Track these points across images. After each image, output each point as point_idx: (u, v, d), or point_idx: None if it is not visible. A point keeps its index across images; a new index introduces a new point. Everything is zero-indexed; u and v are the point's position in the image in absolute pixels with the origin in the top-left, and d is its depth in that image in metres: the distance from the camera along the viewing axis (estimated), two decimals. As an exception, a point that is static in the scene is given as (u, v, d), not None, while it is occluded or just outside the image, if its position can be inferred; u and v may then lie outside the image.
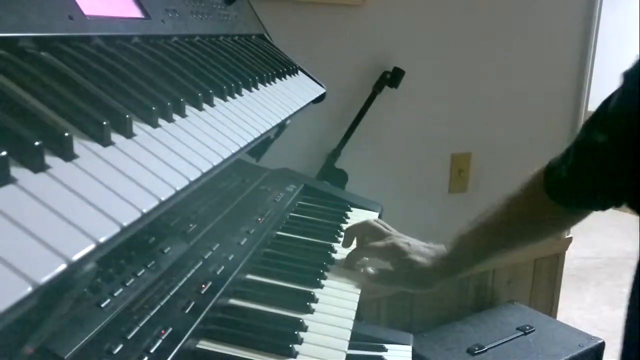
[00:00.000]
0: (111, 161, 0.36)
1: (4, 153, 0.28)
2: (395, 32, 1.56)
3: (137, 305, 0.61)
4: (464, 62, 1.73)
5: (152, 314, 0.61)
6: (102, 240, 0.29)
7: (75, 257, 0.27)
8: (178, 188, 0.38)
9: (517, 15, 1.79)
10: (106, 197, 0.32)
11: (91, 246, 0.28)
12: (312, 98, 0.92)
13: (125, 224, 0.31)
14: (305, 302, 0.74)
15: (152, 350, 0.55)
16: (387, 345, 1.02)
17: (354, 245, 0.94)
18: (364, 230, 0.94)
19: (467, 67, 1.74)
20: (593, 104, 2.16)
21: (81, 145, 0.36)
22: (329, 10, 1.45)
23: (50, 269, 0.25)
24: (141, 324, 0.58)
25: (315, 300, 0.76)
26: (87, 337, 0.53)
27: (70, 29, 0.47)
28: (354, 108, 1.50)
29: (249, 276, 0.80)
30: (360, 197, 1.23)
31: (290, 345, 0.64)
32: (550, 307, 2.21)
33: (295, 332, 0.66)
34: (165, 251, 0.73)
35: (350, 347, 0.95)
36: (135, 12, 0.62)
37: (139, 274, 0.66)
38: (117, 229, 0.30)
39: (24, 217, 0.27)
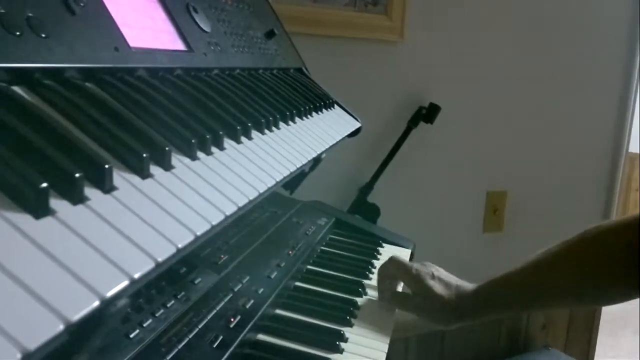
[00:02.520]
0: (149, 194, 0.36)
1: (44, 185, 0.28)
2: (432, 67, 1.55)
3: (165, 337, 0.60)
4: (501, 99, 1.71)
5: (179, 347, 0.60)
6: (136, 276, 0.29)
7: (109, 293, 0.26)
8: (214, 222, 0.38)
9: (557, 53, 1.77)
10: (142, 231, 0.32)
11: (125, 283, 0.28)
12: (348, 132, 0.91)
13: (160, 259, 0.31)
14: (334, 341, 0.72)
15: (178, 385, 0.54)
16: None
17: None
18: (393, 267, 0.91)
19: (504, 104, 1.72)
20: (634, 145, 2.11)
21: (120, 177, 0.35)
22: (367, 45, 1.46)
23: (84, 306, 0.25)
24: (169, 358, 0.57)
25: (345, 340, 0.74)
26: (113, 370, 0.52)
27: (115, 61, 0.48)
28: (388, 142, 1.49)
29: (278, 311, 0.79)
30: (392, 233, 1.21)
31: (318, 388, 0.62)
32: (586, 354, 2.12)
33: (324, 374, 0.64)
34: (196, 282, 0.72)
35: None
36: (179, 45, 0.62)
37: (169, 305, 0.65)
38: (152, 265, 0.30)
39: (60, 250, 0.27)
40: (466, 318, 0.84)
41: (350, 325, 0.78)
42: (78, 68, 0.43)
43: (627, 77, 1.93)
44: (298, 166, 0.60)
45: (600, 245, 0.76)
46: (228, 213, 0.40)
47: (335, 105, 1.03)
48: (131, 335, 0.57)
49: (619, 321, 3.07)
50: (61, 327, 0.23)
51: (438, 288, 0.84)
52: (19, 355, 0.21)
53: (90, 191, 0.32)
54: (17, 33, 0.37)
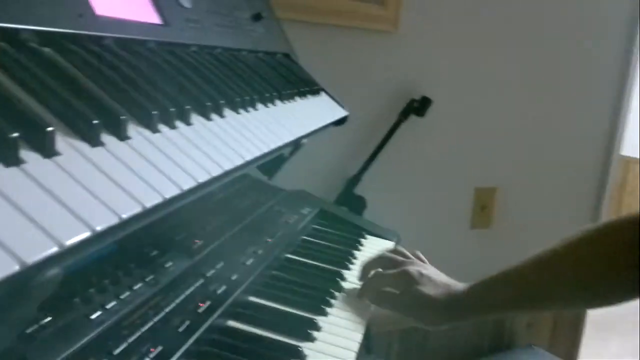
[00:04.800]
0: (97, 162, 0.34)
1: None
2: (426, 60, 1.53)
3: (128, 320, 0.59)
4: (493, 95, 1.69)
5: (143, 330, 0.58)
6: (67, 243, 0.27)
7: (32, 259, 0.24)
8: (167, 196, 0.36)
9: (553, 52, 1.76)
10: (82, 199, 0.30)
11: (54, 249, 0.26)
12: (332, 120, 0.89)
13: (98, 228, 0.29)
14: (306, 330, 0.70)
15: (138, 369, 0.52)
16: None
17: None
18: (380, 264, 0.89)
19: (496, 100, 1.70)
20: (626, 148, 2.10)
21: (66, 144, 0.33)
22: (361, 34, 1.44)
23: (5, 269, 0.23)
24: (130, 340, 0.56)
25: (318, 329, 0.72)
26: (70, 350, 0.50)
27: (77, 27, 0.45)
28: (377, 134, 1.47)
29: (252, 298, 0.77)
30: (377, 225, 1.19)
31: (286, 376, 0.60)
32: (571, 354, 2.11)
33: (293, 362, 0.63)
34: (166, 266, 0.70)
35: None
36: (154, 18, 0.60)
37: (136, 288, 0.63)
38: (87, 233, 0.28)
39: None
40: (456, 319, 0.82)
41: (325, 314, 0.77)
42: (35, 31, 0.41)
43: (622, 79, 1.92)
44: (272, 148, 0.58)
45: (602, 243, 0.72)
46: (185, 188, 0.38)
47: (322, 93, 1.01)
48: (92, 317, 0.56)
49: (605, 323, 3.07)
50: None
51: (425, 287, 0.81)
52: None
53: (28, 154, 0.30)
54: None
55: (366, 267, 0.90)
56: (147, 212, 0.34)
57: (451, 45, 1.57)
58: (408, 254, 0.90)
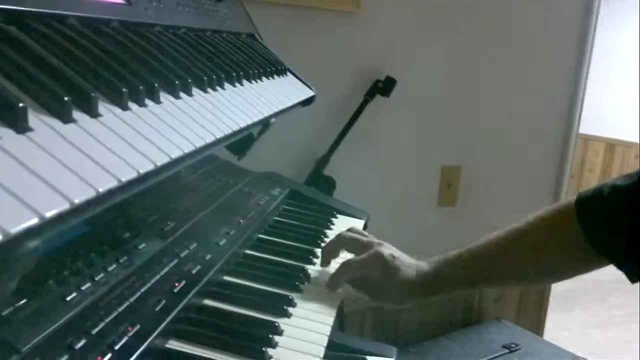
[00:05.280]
0: (69, 137, 0.34)
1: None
2: (389, 40, 1.55)
3: (104, 300, 0.59)
4: (458, 74, 1.72)
5: (119, 310, 0.58)
6: (47, 215, 0.27)
7: (14, 229, 0.25)
8: (142, 171, 0.36)
9: (513, 32, 1.79)
10: (57, 172, 0.30)
11: (34, 220, 0.26)
12: (299, 100, 0.90)
13: (76, 200, 0.29)
14: (282, 306, 0.71)
15: (116, 347, 0.53)
16: (368, 358, 1.00)
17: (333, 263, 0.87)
18: (342, 245, 0.88)
19: (461, 80, 1.73)
20: (585, 125, 2.17)
21: (38, 120, 0.34)
22: (323, 15, 1.44)
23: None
24: (107, 320, 0.56)
25: (293, 305, 0.74)
26: (47, 330, 0.50)
27: (42, 5, 0.45)
28: (344, 115, 1.49)
29: (226, 277, 0.78)
30: (346, 204, 1.21)
31: (264, 349, 0.61)
32: (537, 326, 2.18)
33: (270, 336, 0.64)
34: (140, 247, 0.70)
35: (329, 358, 0.93)
36: (117, -2, 0.60)
37: (110, 269, 0.63)
38: (66, 205, 0.28)
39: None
40: (424, 297, 0.84)
41: (300, 291, 0.78)
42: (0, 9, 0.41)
43: (579, 58, 1.97)
44: (241, 126, 0.59)
45: (552, 226, 0.78)
46: (159, 163, 0.39)
47: (288, 73, 1.02)
48: (68, 298, 0.56)
49: (571, 295, 3.18)
50: None
51: (400, 269, 0.83)
52: None
53: (1, 130, 0.30)
54: None
55: (328, 250, 0.88)
56: (123, 187, 0.35)
57: (414, 24, 1.59)
58: (366, 233, 0.90)
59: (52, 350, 0.49)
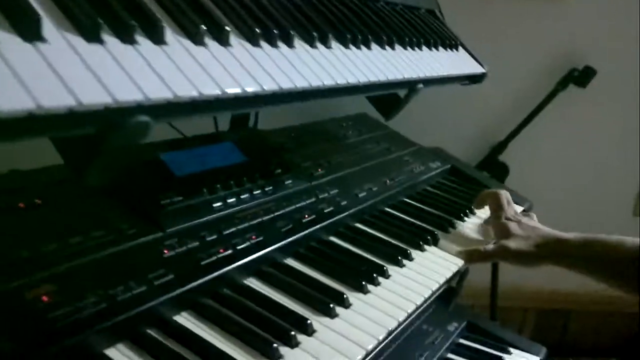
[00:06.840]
0: (197, 56, 0.45)
1: (100, 20, 0.38)
2: (594, 29, 1.44)
3: (242, 213, 0.71)
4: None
5: (251, 222, 0.70)
6: (152, 97, 0.38)
7: (125, 99, 0.36)
8: (249, 90, 0.46)
9: None
10: (173, 76, 0.41)
11: (140, 96, 0.37)
12: (457, 73, 0.92)
13: (180, 94, 0.40)
14: (397, 256, 0.76)
15: (238, 247, 0.64)
16: (512, 349, 0.99)
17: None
18: (494, 201, 0.95)
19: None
20: None
21: (175, 39, 0.45)
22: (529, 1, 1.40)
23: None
24: (238, 227, 0.68)
25: (410, 258, 0.78)
26: (189, 223, 0.64)
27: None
28: (530, 102, 1.44)
29: (357, 224, 0.85)
30: (512, 191, 1.18)
31: (364, 283, 0.67)
32: None
33: (375, 275, 0.70)
34: (286, 183, 0.81)
35: (474, 341, 0.95)
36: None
37: (255, 193, 0.75)
38: (169, 95, 0.39)
39: (106, 72, 0.37)
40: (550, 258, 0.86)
41: (422, 249, 0.82)
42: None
43: None
44: (371, 80, 0.65)
45: None
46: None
47: (460, 49, 1.04)
48: (214, 205, 0.69)
49: None
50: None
51: (512, 242, 0.86)
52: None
53: (142, 39, 0.42)
54: None
55: (482, 197, 0.98)
56: (222, 99, 0.45)
57: (623, 13, 1.44)
58: (513, 206, 0.95)
59: (188, 238, 0.62)
